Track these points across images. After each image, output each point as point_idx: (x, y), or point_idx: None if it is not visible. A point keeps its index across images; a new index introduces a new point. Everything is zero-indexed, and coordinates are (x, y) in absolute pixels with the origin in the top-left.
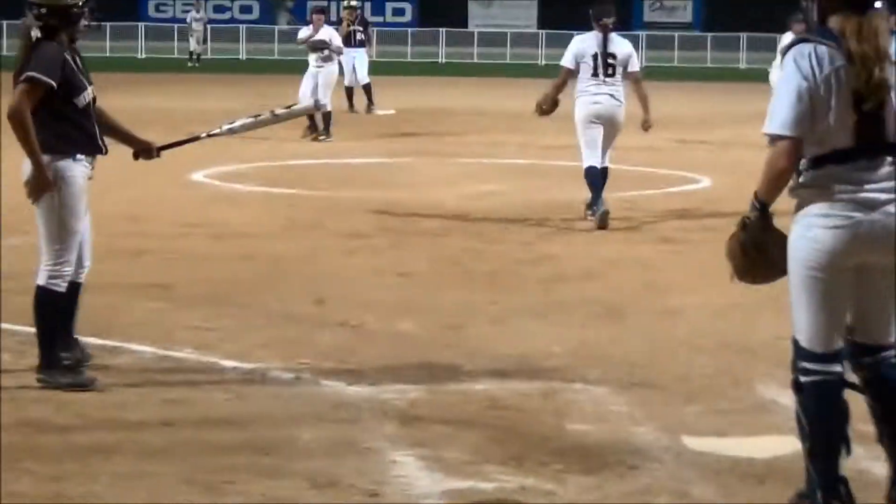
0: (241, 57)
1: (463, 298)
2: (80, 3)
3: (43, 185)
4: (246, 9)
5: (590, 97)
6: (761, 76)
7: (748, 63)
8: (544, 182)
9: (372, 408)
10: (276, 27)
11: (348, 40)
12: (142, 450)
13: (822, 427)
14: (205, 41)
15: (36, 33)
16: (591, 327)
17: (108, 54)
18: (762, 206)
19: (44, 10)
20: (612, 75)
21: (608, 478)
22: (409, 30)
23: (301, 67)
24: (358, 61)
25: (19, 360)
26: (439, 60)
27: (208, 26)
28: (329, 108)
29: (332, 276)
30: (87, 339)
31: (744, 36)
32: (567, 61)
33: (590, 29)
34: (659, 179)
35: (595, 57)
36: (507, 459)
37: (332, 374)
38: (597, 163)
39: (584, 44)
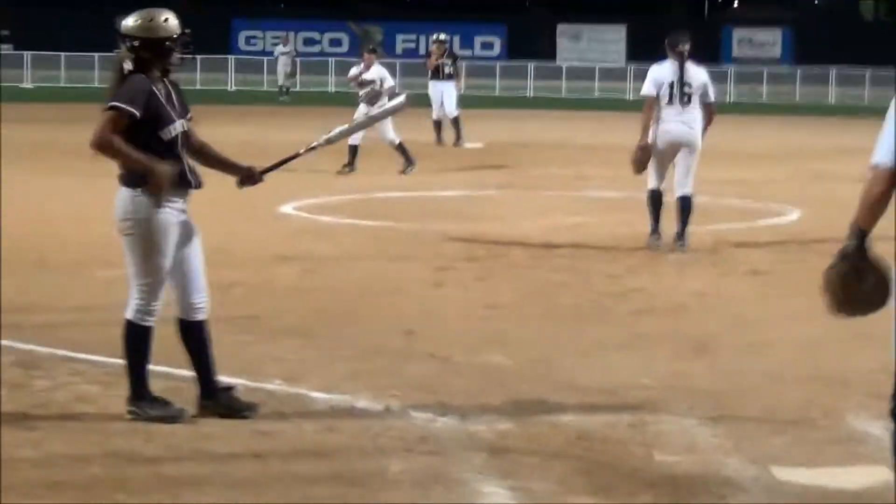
0: (329, 90)
1: (550, 331)
2: (174, 37)
3: (160, 179)
4: (335, 42)
5: (664, 125)
6: (851, 111)
7: (838, 98)
8: (631, 215)
9: (460, 439)
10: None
11: (437, 74)
12: (231, 481)
13: None
14: (293, 74)
15: (128, 66)
16: (679, 360)
17: (198, 87)
18: (861, 234)
19: (136, 43)
20: (689, 103)
21: None
22: (498, 63)
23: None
24: (446, 94)
25: (108, 391)
26: (528, 94)
27: (297, 59)
28: (399, 140)
29: (420, 308)
30: (175, 371)
31: (833, 70)
32: (648, 90)
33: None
34: (748, 212)
35: (672, 85)
36: (595, 491)
37: (421, 406)
38: (659, 186)
39: (661, 72)
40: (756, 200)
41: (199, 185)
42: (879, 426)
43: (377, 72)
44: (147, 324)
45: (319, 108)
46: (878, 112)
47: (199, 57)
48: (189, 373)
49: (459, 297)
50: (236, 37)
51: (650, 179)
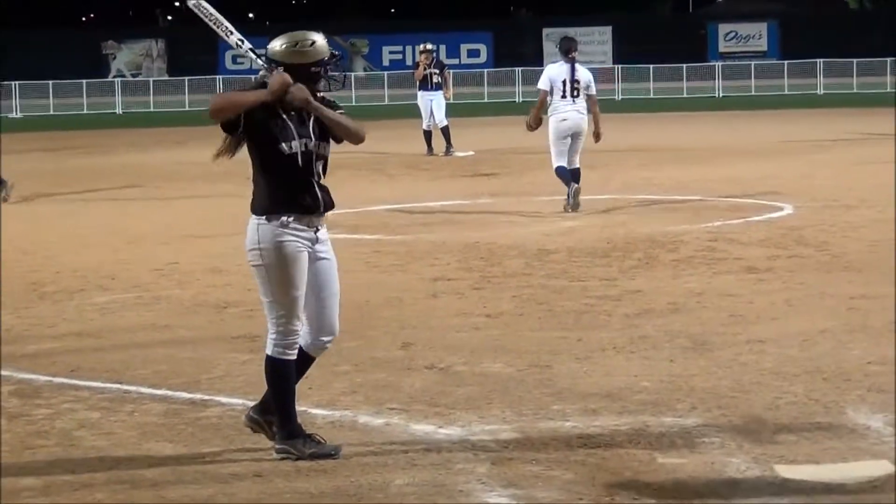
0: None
1: (549, 337)
2: (320, 61)
3: (281, 84)
4: None
5: (560, 114)
6: (838, 101)
7: (825, 89)
8: (624, 216)
9: (463, 450)
10: (353, 74)
11: (425, 83)
12: (235, 502)
13: None
14: None
15: None
16: (678, 360)
17: (186, 108)
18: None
19: (280, 68)
20: (578, 96)
21: None
22: (485, 70)
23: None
24: (435, 104)
25: (109, 416)
26: (516, 100)
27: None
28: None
29: (418, 319)
30: (175, 394)
31: (820, 62)
32: (543, 84)
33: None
34: (741, 209)
35: (564, 82)
36: (599, 496)
37: (422, 418)
38: (565, 163)
39: (556, 71)
40: (749, 197)
41: (327, 208)
42: (880, 420)
43: None
44: (288, 358)
45: None
46: (868, 100)
47: (186, 79)
48: (191, 395)
49: (456, 306)
50: (222, 58)
51: (555, 160)
